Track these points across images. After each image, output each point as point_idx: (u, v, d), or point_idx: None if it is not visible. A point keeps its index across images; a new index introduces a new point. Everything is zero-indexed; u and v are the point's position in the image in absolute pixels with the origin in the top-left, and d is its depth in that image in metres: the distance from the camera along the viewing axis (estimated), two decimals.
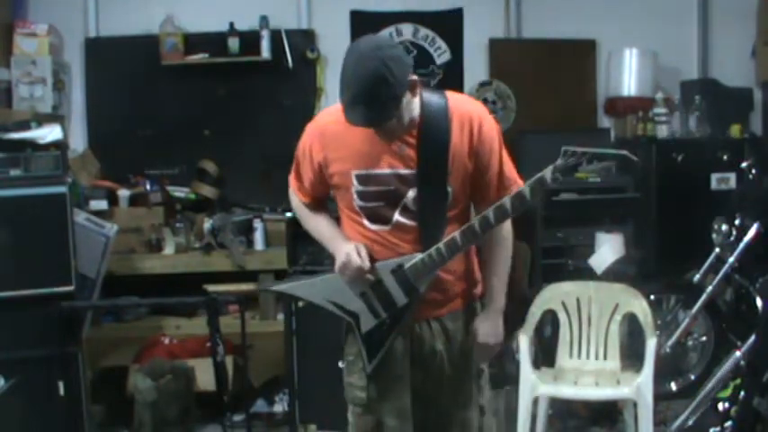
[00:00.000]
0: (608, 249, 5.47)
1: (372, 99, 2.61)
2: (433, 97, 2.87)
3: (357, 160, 2.87)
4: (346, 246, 2.93)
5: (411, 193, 2.86)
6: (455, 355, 3.05)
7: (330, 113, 2.97)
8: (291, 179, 3.24)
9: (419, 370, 3.04)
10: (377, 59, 2.60)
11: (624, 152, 2.71)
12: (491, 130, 2.91)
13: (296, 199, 3.23)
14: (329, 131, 2.93)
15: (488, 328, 3.03)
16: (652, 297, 5.00)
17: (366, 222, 2.94)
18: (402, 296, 2.93)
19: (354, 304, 3.01)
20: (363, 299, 2.99)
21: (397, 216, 2.89)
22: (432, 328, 3.02)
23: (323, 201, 3.17)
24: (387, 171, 2.86)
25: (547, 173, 2.66)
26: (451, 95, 2.92)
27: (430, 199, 2.87)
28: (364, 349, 3.02)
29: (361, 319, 3.01)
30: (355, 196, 2.91)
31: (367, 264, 2.89)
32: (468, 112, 2.89)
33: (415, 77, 2.73)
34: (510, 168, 2.97)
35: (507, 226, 3.01)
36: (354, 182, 2.89)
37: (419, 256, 2.87)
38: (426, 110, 2.83)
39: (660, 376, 4.85)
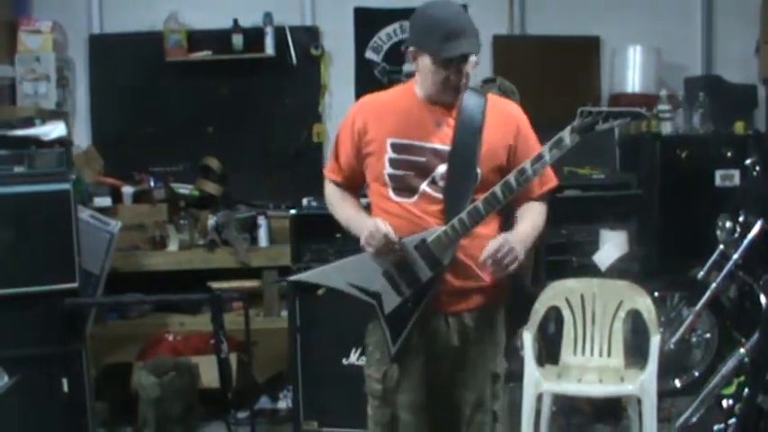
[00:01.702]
0: (612, 246, 5.47)
1: (468, 30, 2.88)
2: (472, 91, 3.08)
3: (395, 129, 3.02)
4: (371, 219, 3.00)
5: (441, 168, 2.96)
6: (470, 353, 3.06)
7: (375, 95, 3.22)
8: (328, 166, 3.32)
9: (433, 364, 3.05)
10: (456, 4, 3.01)
11: (637, 109, 2.79)
12: (529, 129, 3.11)
13: (329, 187, 3.27)
14: (374, 104, 3.15)
15: (508, 236, 2.92)
16: (656, 294, 5.00)
17: (391, 194, 3.02)
18: (426, 270, 2.94)
19: (377, 284, 3.03)
20: (386, 277, 3.02)
21: (424, 186, 2.97)
22: (449, 323, 3.03)
23: (355, 185, 3.24)
24: (421, 143, 2.99)
25: (565, 133, 2.76)
26: (490, 95, 3.15)
27: (459, 176, 2.96)
28: (388, 331, 3.03)
29: (384, 299, 3.03)
30: (387, 163, 3.01)
31: (392, 233, 2.92)
32: (508, 111, 3.12)
33: None
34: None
35: (543, 207, 3.14)
36: (389, 149, 3.01)
37: (441, 228, 2.91)
38: (466, 98, 3.03)
39: (664, 373, 4.85)
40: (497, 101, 3.16)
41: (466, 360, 3.06)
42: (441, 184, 2.97)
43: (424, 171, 2.98)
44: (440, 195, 2.97)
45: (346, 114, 3.16)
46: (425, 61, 2.95)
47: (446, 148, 2.97)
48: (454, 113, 3.01)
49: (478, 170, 2.97)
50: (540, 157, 2.81)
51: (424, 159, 2.98)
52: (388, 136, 3.01)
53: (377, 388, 3.10)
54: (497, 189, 2.85)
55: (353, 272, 3.08)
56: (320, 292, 3.47)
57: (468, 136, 2.98)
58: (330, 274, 3.19)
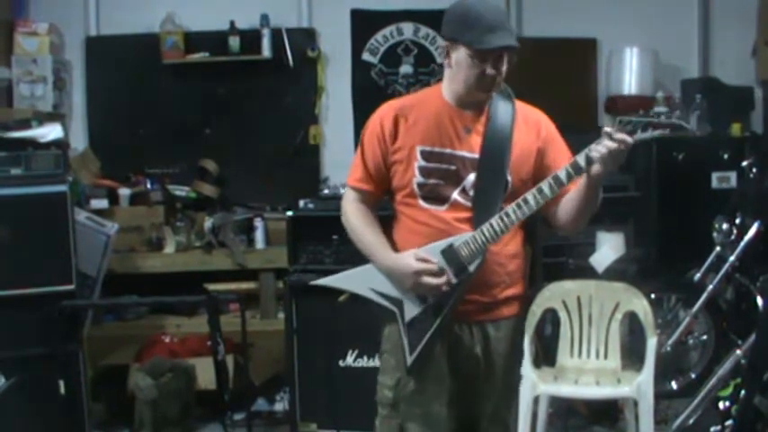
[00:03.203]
0: (609, 248, 5.47)
1: (507, 25, 2.86)
2: (499, 96, 3.00)
3: (425, 137, 2.94)
4: (404, 258, 2.92)
5: (471, 177, 2.91)
6: (493, 364, 3.00)
7: (401, 99, 3.14)
8: (352, 176, 3.12)
9: (455, 375, 2.98)
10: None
11: (676, 120, 2.76)
12: (557, 134, 3.05)
13: (352, 204, 3.11)
14: (401, 108, 3.01)
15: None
16: (653, 296, 4.99)
17: (421, 202, 2.95)
18: (451, 277, 2.87)
19: (399, 290, 2.97)
20: None
21: (455, 195, 2.92)
22: (472, 331, 2.97)
23: (381, 195, 3.11)
24: (451, 151, 2.92)
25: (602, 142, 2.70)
26: (517, 101, 3.06)
27: (489, 184, 2.90)
28: (406, 339, 2.95)
29: (405, 305, 2.96)
30: (417, 172, 2.94)
31: (434, 261, 2.86)
32: (536, 116, 3.05)
33: None
34: None
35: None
36: (418, 156, 2.93)
37: (469, 233, 2.86)
38: (494, 102, 2.97)
39: (661, 375, 4.86)
40: (524, 107, 3.07)
41: (487, 371, 3.00)
42: (471, 193, 2.91)
43: (455, 179, 2.92)
44: (469, 204, 2.91)
45: (371, 120, 3.05)
46: (461, 54, 2.86)
47: (475, 155, 2.91)
48: (483, 119, 2.95)
49: (508, 178, 2.92)
50: (575, 165, 2.75)
51: (454, 167, 2.91)
52: (418, 143, 2.94)
53: (387, 396, 3.03)
54: (529, 195, 2.81)
55: (375, 277, 2.99)
56: (342, 298, 3.22)
57: (497, 143, 2.92)
58: (352, 279, 3.09)
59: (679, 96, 6.45)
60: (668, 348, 5.08)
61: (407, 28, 6.46)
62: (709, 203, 5.53)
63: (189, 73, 6.30)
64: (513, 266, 3.01)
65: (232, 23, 6.22)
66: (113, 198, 5.94)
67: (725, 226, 4.97)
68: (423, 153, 2.93)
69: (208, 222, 5.85)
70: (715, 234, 5.02)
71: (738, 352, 4.32)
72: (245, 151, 6.33)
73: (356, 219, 3.07)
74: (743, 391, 3.88)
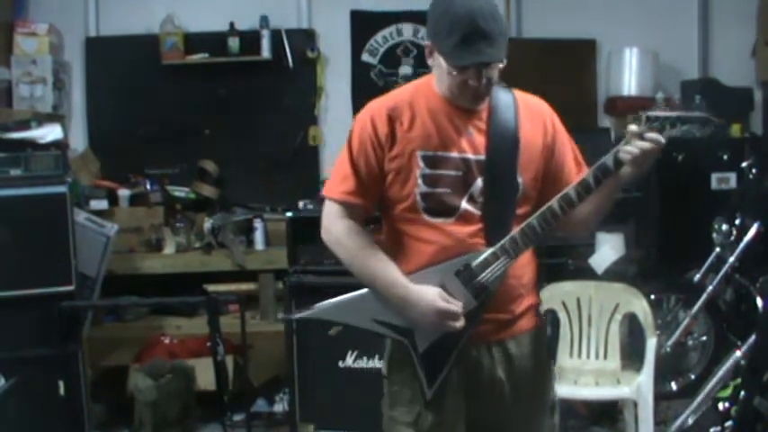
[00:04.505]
0: (608, 249, 5.47)
1: (491, 31, 2.42)
2: (498, 87, 2.66)
3: (424, 140, 2.56)
4: (427, 294, 2.55)
5: (479, 182, 2.57)
6: (520, 383, 2.67)
7: (390, 96, 2.68)
8: (336, 188, 2.66)
9: (475, 402, 2.65)
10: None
11: (705, 114, 2.64)
12: (560, 124, 2.77)
13: (341, 222, 2.65)
14: (394, 109, 2.60)
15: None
16: (652, 297, 5.00)
17: (425, 216, 2.58)
18: (470, 299, 2.56)
19: (407, 319, 2.60)
20: None
21: (464, 204, 2.56)
22: (491, 353, 2.64)
23: (373, 210, 2.70)
24: (455, 155, 2.57)
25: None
26: (515, 90, 2.75)
27: (498, 189, 2.58)
28: (422, 372, 2.60)
29: (417, 335, 2.60)
30: (419, 181, 2.55)
31: (459, 303, 2.55)
32: (538, 107, 2.76)
33: None
34: (580, 157, 2.76)
35: None
36: (420, 163, 2.55)
37: (488, 250, 2.54)
38: (494, 97, 2.64)
39: (660, 376, 4.86)
40: (524, 96, 2.74)
41: (514, 394, 2.66)
42: (480, 200, 2.57)
43: (462, 187, 2.56)
44: (479, 212, 2.57)
45: (359, 121, 2.64)
46: (441, 61, 2.51)
47: (481, 157, 2.58)
48: (484, 115, 2.61)
49: (519, 179, 2.61)
50: (603, 167, 2.50)
51: (460, 173, 2.56)
52: (418, 148, 2.56)
53: None
54: (555, 203, 2.51)
55: (377, 306, 2.61)
56: (333, 332, 2.76)
57: (503, 141, 2.59)
58: (349, 309, 2.66)
59: (679, 97, 6.44)
60: (668, 349, 5.08)
61: (407, 29, 6.46)
62: (708, 204, 5.53)
63: (188, 74, 6.29)
64: (528, 278, 2.71)
65: (232, 24, 6.22)
66: (113, 199, 5.93)
67: (724, 227, 4.98)
68: (425, 159, 2.55)
69: (207, 223, 5.85)
70: (715, 235, 5.02)
71: (738, 353, 4.32)
72: (245, 152, 6.32)
73: (349, 239, 2.63)
74: (742, 392, 3.87)
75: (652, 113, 2.55)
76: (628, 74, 6.41)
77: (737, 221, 4.96)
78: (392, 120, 2.59)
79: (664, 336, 5.09)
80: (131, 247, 5.85)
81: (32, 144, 4.62)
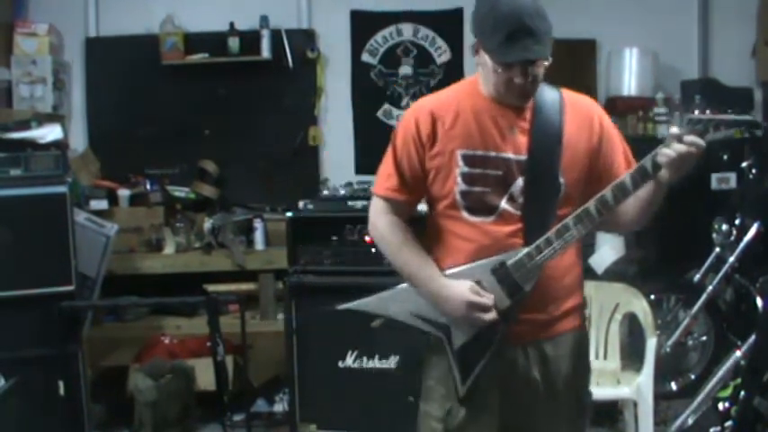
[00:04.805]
0: (608, 249, 5.47)
1: (537, 28, 2.54)
2: (544, 86, 2.69)
3: (465, 140, 2.60)
4: (457, 286, 2.60)
5: (519, 181, 2.59)
6: (556, 385, 2.68)
7: (434, 97, 2.74)
8: (383, 184, 2.75)
9: (509, 401, 2.66)
10: None
11: (749, 117, 2.60)
12: (612, 126, 2.74)
13: (385, 217, 2.74)
14: (437, 107, 2.66)
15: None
16: (652, 297, 5.00)
17: (465, 215, 2.61)
18: (504, 298, 2.58)
19: (443, 314, 2.65)
20: None
21: (503, 204, 2.59)
22: (527, 353, 2.65)
23: (416, 206, 2.78)
24: (496, 154, 2.59)
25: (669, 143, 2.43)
26: (563, 89, 2.75)
27: (539, 189, 2.59)
28: (457, 368, 2.64)
29: (453, 331, 2.65)
30: (459, 179, 2.59)
31: (489, 296, 2.58)
32: (587, 107, 2.74)
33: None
34: (631, 156, 2.72)
35: None
36: (460, 162, 2.59)
37: (524, 250, 2.56)
38: (539, 96, 2.65)
39: (660, 376, 4.86)
40: (572, 96, 2.73)
41: (548, 395, 2.67)
42: (520, 200, 2.59)
43: (502, 186, 2.58)
44: (519, 212, 2.59)
45: (404, 120, 2.71)
46: (487, 58, 2.54)
47: (522, 157, 2.59)
48: (528, 115, 2.62)
49: (561, 180, 2.60)
50: (642, 170, 2.48)
51: (500, 173, 2.58)
52: (458, 147, 2.59)
53: (436, 427, 2.68)
54: (591, 205, 2.50)
55: (416, 300, 2.66)
56: (376, 323, 2.76)
57: (546, 142, 2.59)
58: (388, 303, 2.73)
59: (679, 97, 6.45)
60: (668, 349, 5.09)
61: (407, 29, 6.46)
62: (708, 204, 5.53)
63: (188, 74, 6.29)
64: (570, 279, 2.70)
65: (232, 24, 6.22)
66: (113, 199, 5.93)
67: (724, 227, 4.98)
68: (465, 158, 2.59)
69: (207, 223, 5.85)
70: (715, 235, 5.02)
71: (738, 353, 4.32)
72: (245, 152, 6.32)
73: (392, 234, 2.71)
74: (742, 392, 3.86)
75: (694, 116, 2.48)
76: (628, 74, 6.40)
77: (737, 221, 4.97)
78: (435, 119, 2.63)
79: (664, 336, 5.09)
80: (131, 247, 5.85)
81: (32, 144, 4.62)
